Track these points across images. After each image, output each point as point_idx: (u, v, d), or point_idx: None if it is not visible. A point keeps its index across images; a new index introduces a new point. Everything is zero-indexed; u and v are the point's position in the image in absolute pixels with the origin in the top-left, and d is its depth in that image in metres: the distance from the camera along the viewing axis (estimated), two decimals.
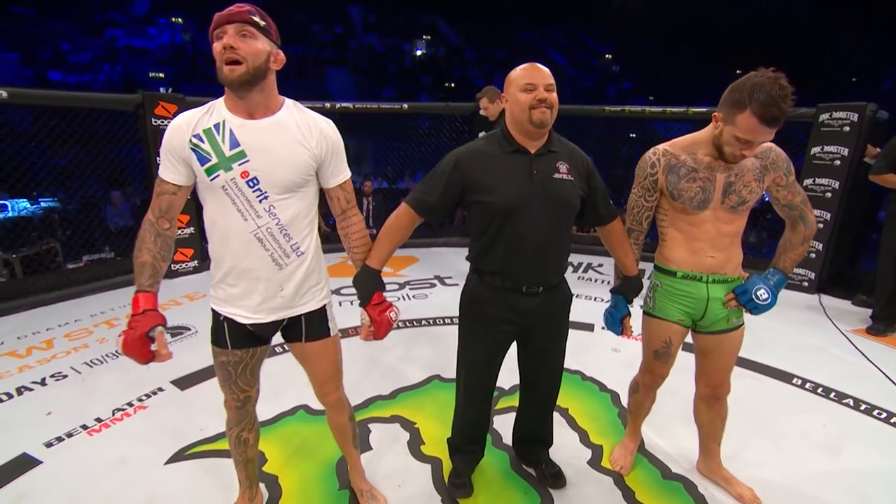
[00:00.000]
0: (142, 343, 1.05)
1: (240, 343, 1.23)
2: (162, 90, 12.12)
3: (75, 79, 12.78)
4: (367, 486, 1.59)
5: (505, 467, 1.76)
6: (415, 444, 1.88)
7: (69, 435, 1.89)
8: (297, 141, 1.12)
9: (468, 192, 1.33)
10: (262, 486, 1.61)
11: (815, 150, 3.55)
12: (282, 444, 1.85)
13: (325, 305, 1.31)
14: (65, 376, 2.35)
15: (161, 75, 13.83)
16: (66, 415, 2.02)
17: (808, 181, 3.60)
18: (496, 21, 23.47)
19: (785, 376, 2.44)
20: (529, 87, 1.26)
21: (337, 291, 3.38)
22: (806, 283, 3.70)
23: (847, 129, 3.40)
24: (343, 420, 1.47)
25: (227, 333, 1.22)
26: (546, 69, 1.30)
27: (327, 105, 4.31)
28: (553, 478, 1.66)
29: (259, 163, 1.09)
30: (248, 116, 1.09)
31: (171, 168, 1.11)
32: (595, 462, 1.79)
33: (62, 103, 3.32)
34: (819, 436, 1.97)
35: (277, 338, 1.31)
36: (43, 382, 2.29)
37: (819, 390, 2.32)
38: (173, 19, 17.57)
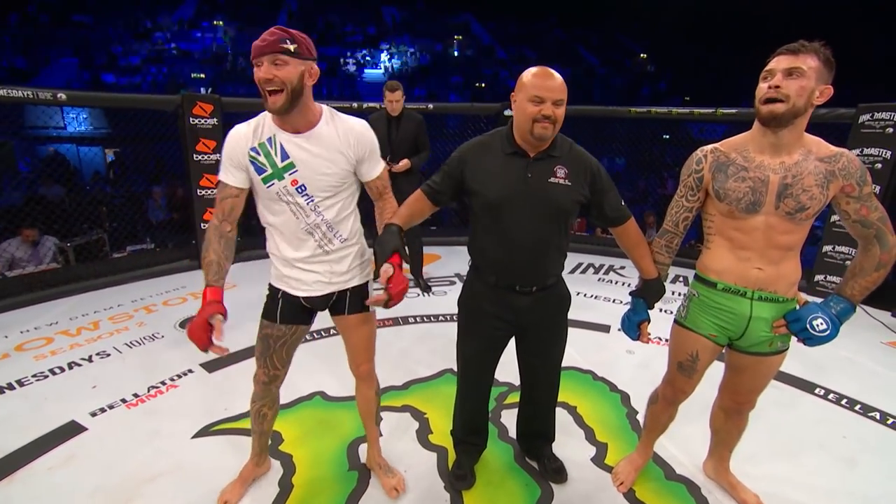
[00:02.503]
0: (203, 329, 1.15)
1: (288, 318, 1.39)
2: (203, 90, 12.74)
3: (126, 80, 13.60)
4: (384, 461, 1.69)
5: (508, 460, 1.80)
6: (423, 433, 1.95)
7: (111, 407, 2.08)
8: (336, 149, 1.26)
9: (466, 185, 1.39)
10: (277, 462, 1.73)
11: (854, 152, 3.38)
12: (298, 426, 1.97)
13: (367, 282, 1.45)
14: (108, 355, 2.56)
15: (202, 76, 14.53)
16: (109, 389, 2.21)
17: None
18: (529, 20, 23.27)
19: (807, 386, 2.37)
20: (537, 100, 1.26)
21: None
22: None
23: (890, 130, 3.23)
24: (370, 393, 1.60)
25: (280, 308, 1.38)
26: (559, 79, 1.27)
27: (354, 105, 4.45)
28: (555, 472, 1.69)
29: (305, 172, 1.23)
30: (293, 132, 1.23)
31: (233, 173, 1.24)
32: (599, 459, 1.81)
33: (112, 104, 3.60)
34: (837, 448, 1.91)
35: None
36: (90, 359, 2.51)
37: (843, 402, 2.24)
38: (215, 22, 18.43)
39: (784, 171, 1.21)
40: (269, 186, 1.23)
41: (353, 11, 21.34)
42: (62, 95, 3.16)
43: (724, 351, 1.44)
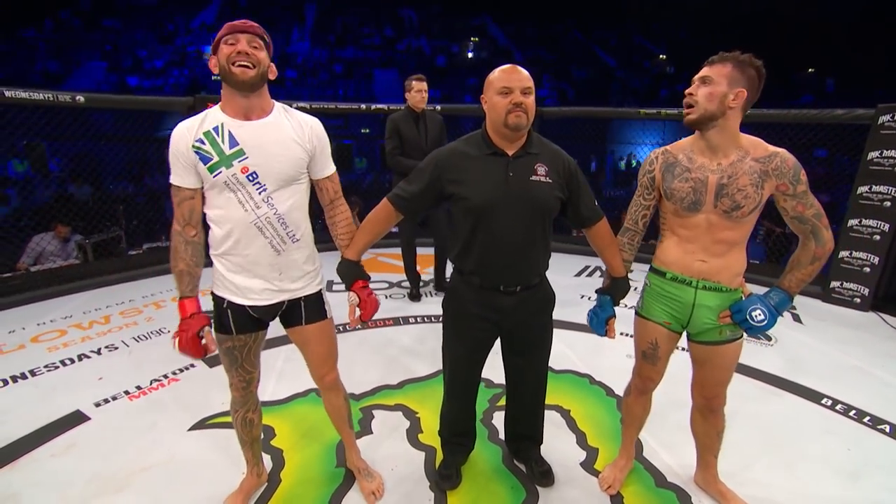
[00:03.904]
0: (195, 342, 1.22)
1: (243, 328, 1.33)
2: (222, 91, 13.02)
3: (150, 83, 14.08)
4: (363, 464, 1.69)
5: (496, 462, 1.80)
6: (413, 433, 1.96)
7: (114, 398, 2.15)
8: (290, 138, 1.25)
9: (446, 192, 1.37)
10: (267, 457, 1.76)
11: (873, 154, 3.25)
12: (291, 422, 2.00)
13: (320, 290, 1.43)
14: (116, 348, 2.65)
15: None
16: (114, 381, 2.29)
17: (863, 188, 3.30)
18: (547, 23, 23.11)
19: (814, 396, 2.29)
20: (505, 91, 1.27)
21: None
22: (858, 300, 3.40)
23: None
24: (339, 402, 1.58)
25: (231, 319, 1.31)
26: (524, 72, 1.31)
27: (363, 107, 4.50)
28: (541, 476, 1.67)
29: (257, 158, 1.20)
30: (244, 118, 1.21)
31: (183, 174, 1.21)
32: (588, 464, 1.79)
33: (129, 106, 3.73)
34: (840, 460, 1.84)
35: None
36: (98, 352, 2.60)
37: (851, 413, 2.16)
38: None
39: (720, 171, 1.29)
40: (215, 175, 1.18)
41: (370, 13, 21.56)
42: (80, 98, 3.29)
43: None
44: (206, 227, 1.30)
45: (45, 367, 2.42)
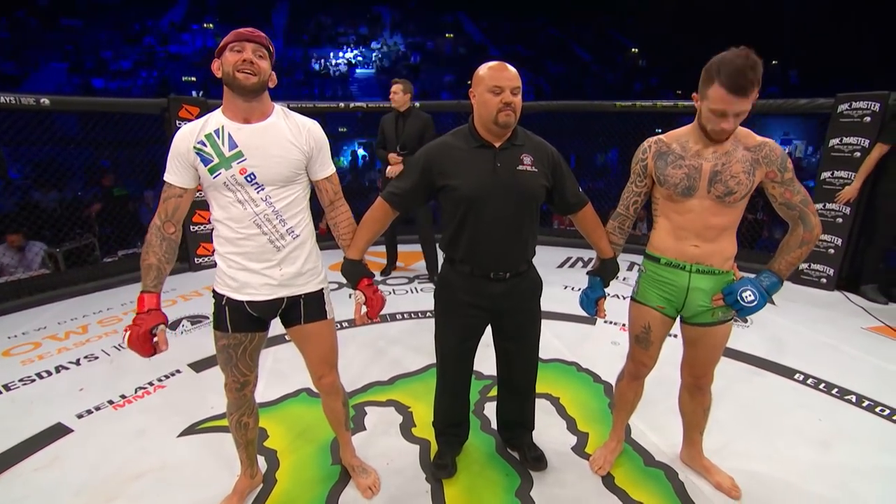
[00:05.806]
0: (145, 339, 1.19)
1: (240, 326, 1.34)
2: (194, 93, 12.71)
3: (116, 85, 13.57)
4: (358, 461, 1.69)
5: (490, 450, 1.83)
6: (406, 427, 1.98)
7: (97, 408, 2.10)
8: (287, 140, 1.28)
9: (437, 184, 1.41)
10: (261, 458, 1.75)
11: (834, 141, 3.42)
12: (283, 423, 1.99)
13: (322, 289, 1.43)
14: (96, 357, 2.58)
15: (193, 79, 14.50)
16: (96, 391, 2.23)
17: (826, 174, 3.48)
18: (522, 18, 23.29)
19: (787, 371, 2.41)
20: (497, 90, 1.32)
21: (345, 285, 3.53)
22: (824, 280, 3.58)
23: (868, 119, 3.27)
24: (337, 405, 1.57)
25: (228, 317, 1.33)
26: (513, 70, 1.35)
27: (341, 105, 4.47)
28: (535, 461, 1.72)
29: (255, 160, 1.24)
30: (244, 121, 1.25)
31: (178, 172, 1.25)
32: (579, 448, 1.84)
33: (98, 108, 3.61)
34: (813, 430, 1.95)
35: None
36: (77, 362, 2.52)
37: (821, 386, 2.28)
38: (205, 25, 18.39)
39: (715, 159, 1.34)
40: (215, 176, 1.23)
41: (344, 12, 21.32)
42: (45, 101, 3.16)
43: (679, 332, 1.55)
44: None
45: (21, 380, 2.34)
